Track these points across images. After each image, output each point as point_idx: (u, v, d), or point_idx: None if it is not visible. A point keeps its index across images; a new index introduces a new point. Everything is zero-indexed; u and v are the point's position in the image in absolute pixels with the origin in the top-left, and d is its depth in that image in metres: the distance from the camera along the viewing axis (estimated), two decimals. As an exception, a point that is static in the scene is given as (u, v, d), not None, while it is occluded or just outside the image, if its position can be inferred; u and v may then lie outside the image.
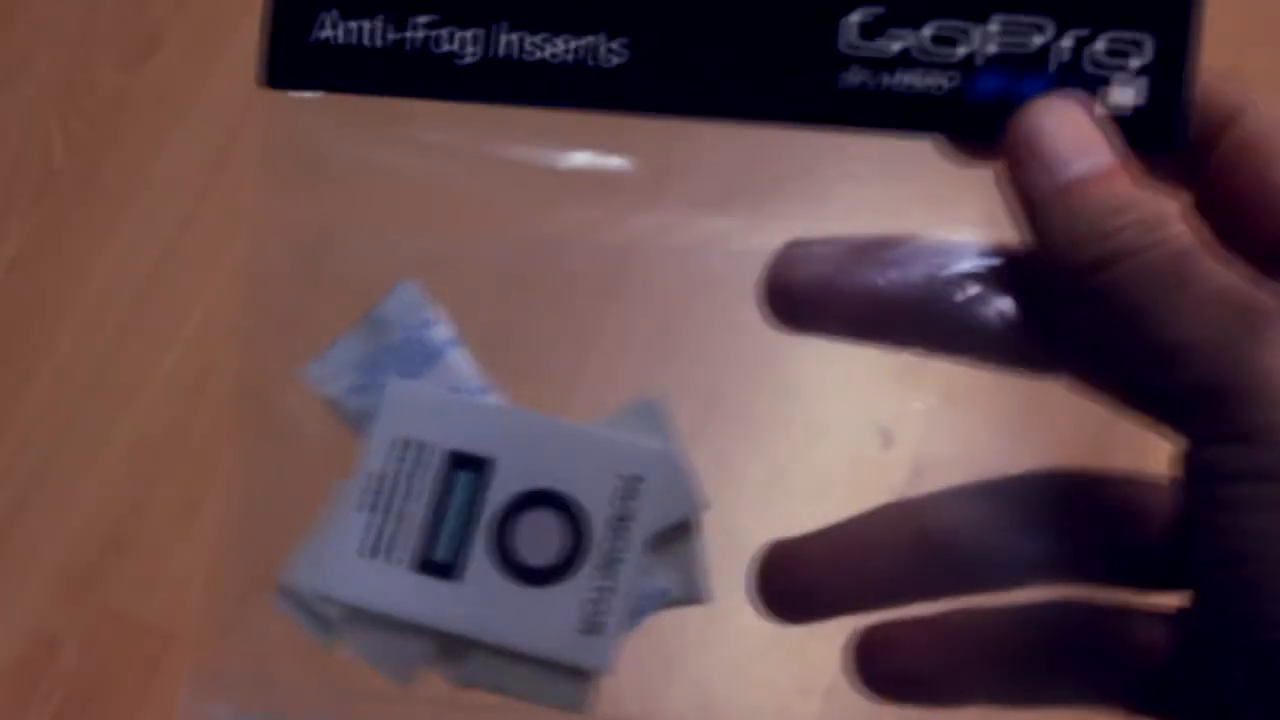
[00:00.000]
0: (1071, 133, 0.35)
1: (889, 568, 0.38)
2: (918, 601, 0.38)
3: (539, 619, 0.38)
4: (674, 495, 0.38)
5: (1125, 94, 0.35)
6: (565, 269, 0.40)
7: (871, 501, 0.39)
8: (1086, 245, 0.33)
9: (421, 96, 0.37)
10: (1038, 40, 0.35)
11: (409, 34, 0.37)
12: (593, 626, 0.38)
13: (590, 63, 0.36)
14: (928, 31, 0.36)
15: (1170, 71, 0.35)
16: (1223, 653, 0.32)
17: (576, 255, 0.40)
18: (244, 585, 0.39)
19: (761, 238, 0.38)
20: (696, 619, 0.39)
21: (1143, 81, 0.35)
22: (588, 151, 0.39)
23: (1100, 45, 0.35)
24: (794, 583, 0.39)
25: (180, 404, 1.12)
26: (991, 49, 0.36)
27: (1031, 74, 0.35)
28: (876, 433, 0.39)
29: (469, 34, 0.36)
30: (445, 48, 0.36)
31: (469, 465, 0.38)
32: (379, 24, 0.37)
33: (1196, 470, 0.32)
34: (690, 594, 0.39)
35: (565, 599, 0.38)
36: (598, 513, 0.38)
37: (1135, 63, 0.35)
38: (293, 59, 0.37)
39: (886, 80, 0.36)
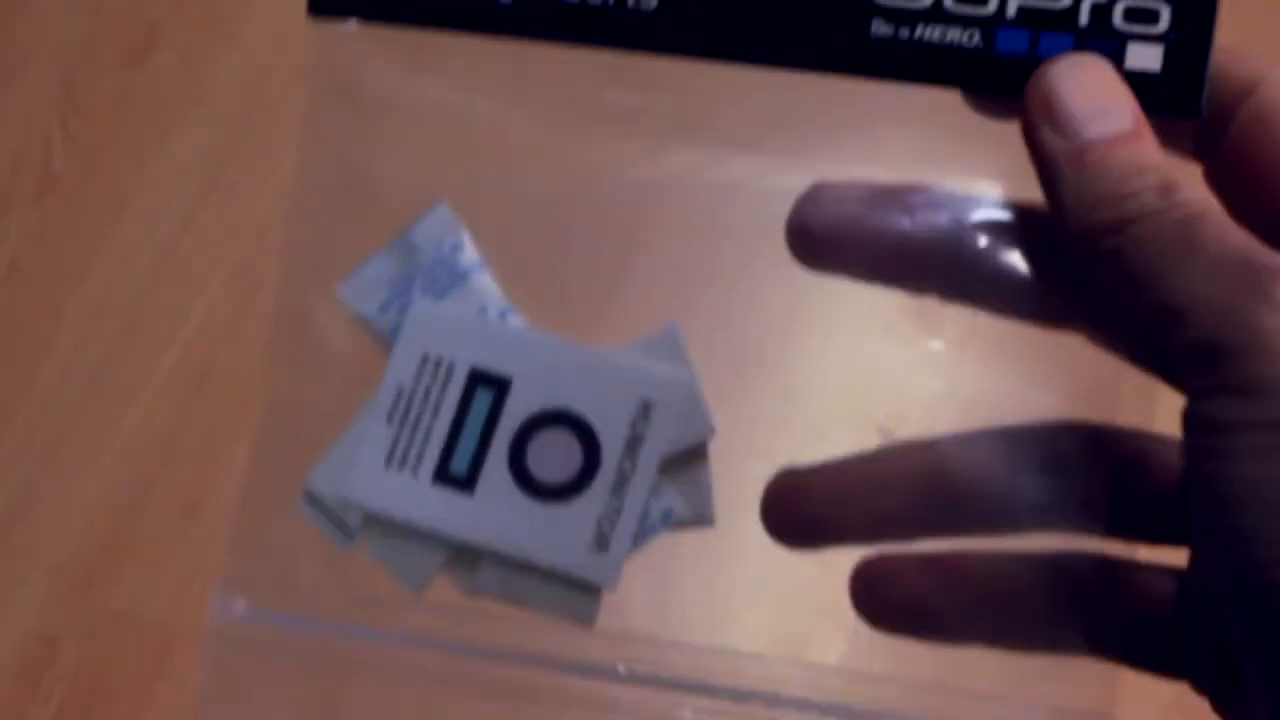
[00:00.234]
0: (1090, 95, 0.36)
1: (897, 503, 0.40)
2: (923, 539, 0.40)
3: (550, 533, 0.39)
4: (685, 420, 0.40)
5: (1146, 57, 0.36)
6: (595, 202, 0.41)
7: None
8: (1100, 208, 0.34)
9: (460, 30, 0.39)
10: (1059, 2, 0.37)
11: None
12: (602, 543, 0.39)
13: (626, 4, 0.38)
14: None
15: (1191, 36, 0.36)
16: (1220, 599, 0.34)
17: (607, 189, 0.41)
18: (274, 491, 0.41)
19: (791, 176, 0.39)
20: (703, 541, 0.41)
21: (1163, 46, 0.36)
22: (622, 88, 0.40)
23: (1118, 11, 0.36)
24: (802, 510, 0.40)
25: (180, 404, 1.13)
26: (1017, 5, 0.37)
27: (1056, 32, 0.37)
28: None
29: None
30: None
31: (489, 383, 0.40)
32: None
33: (1196, 422, 0.33)
34: (697, 515, 0.41)
35: (577, 515, 0.39)
36: (611, 434, 0.40)
37: (1157, 27, 0.36)
38: None
39: (915, 32, 0.37)
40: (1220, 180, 0.37)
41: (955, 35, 0.37)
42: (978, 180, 0.39)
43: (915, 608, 0.40)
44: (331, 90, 0.40)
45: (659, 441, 0.40)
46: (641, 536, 0.40)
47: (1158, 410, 0.37)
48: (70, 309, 1.17)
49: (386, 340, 0.40)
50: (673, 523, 0.41)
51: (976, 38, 0.37)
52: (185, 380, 1.14)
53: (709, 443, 0.41)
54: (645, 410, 0.40)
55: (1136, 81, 0.36)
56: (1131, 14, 0.36)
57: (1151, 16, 0.36)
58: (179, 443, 1.12)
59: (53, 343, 1.16)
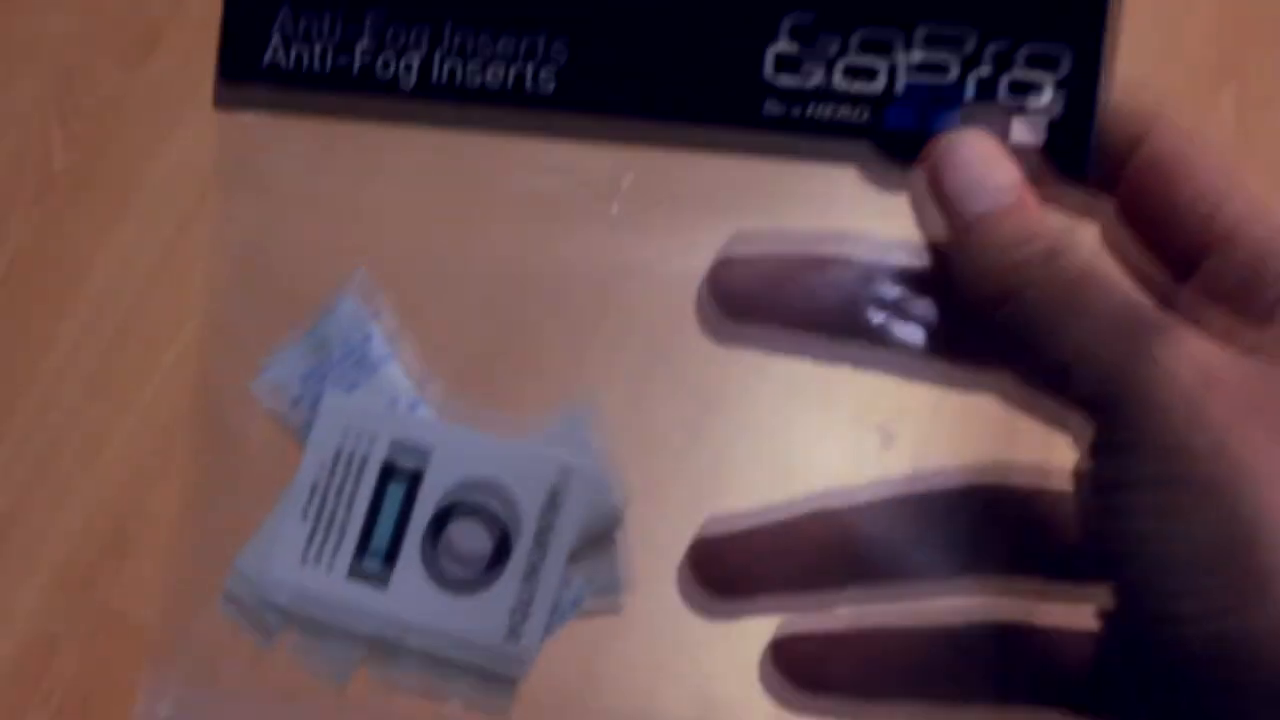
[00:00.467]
0: (973, 171, 0.37)
1: (807, 566, 0.41)
2: (834, 600, 0.41)
3: (464, 625, 0.40)
4: (595, 506, 0.41)
5: (1031, 128, 0.38)
6: (505, 287, 0.42)
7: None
8: (989, 280, 0.36)
9: (365, 118, 0.40)
10: (953, 69, 0.38)
11: (360, 31, 0.39)
12: (515, 633, 0.41)
13: (525, 87, 0.39)
14: (857, 37, 0.38)
15: (1076, 107, 0.37)
16: (1120, 650, 0.35)
17: (516, 274, 0.43)
18: (194, 589, 0.42)
19: (700, 256, 0.40)
20: (618, 621, 0.42)
21: (1048, 118, 0.37)
22: (527, 172, 0.41)
23: (1020, 59, 0.37)
24: (719, 571, 0.41)
25: (180, 404, 1.13)
26: (905, 82, 0.38)
27: (944, 107, 0.38)
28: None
29: (416, 33, 0.39)
30: (394, 46, 0.39)
31: (401, 476, 0.41)
32: (332, 22, 0.39)
33: (1085, 478, 0.35)
34: (608, 602, 0.42)
35: (489, 606, 0.41)
36: (522, 522, 0.41)
37: (1042, 99, 0.37)
38: (243, 82, 0.40)
39: (806, 110, 0.38)
40: (1128, 216, 0.38)
41: (846, 113, 0.38)
42: (885, 246, 0.40)
43: (823, 681, 0.41)
44: (240, 181, 0.41)
45: (569, 528, 0.41)
46: (554, 624, 0.41)
47: (1056, 465, 0.38)
48: (70, 309, 1.17)
49: (300, 434, 0.41)
50: (584, 609, 0.42)
51: (866, 115, 0.38)
52: (185, 380, 1.13)
53: (619, 526, 0.42)
54: (555, 498, 0.41)
55: (1024, 153, 0.37)
56: (1016, 87, 0.38)
57: (1036, 89, 0.37)
58: (179, 443, 1.11)
59: (53, 342, 1.16)
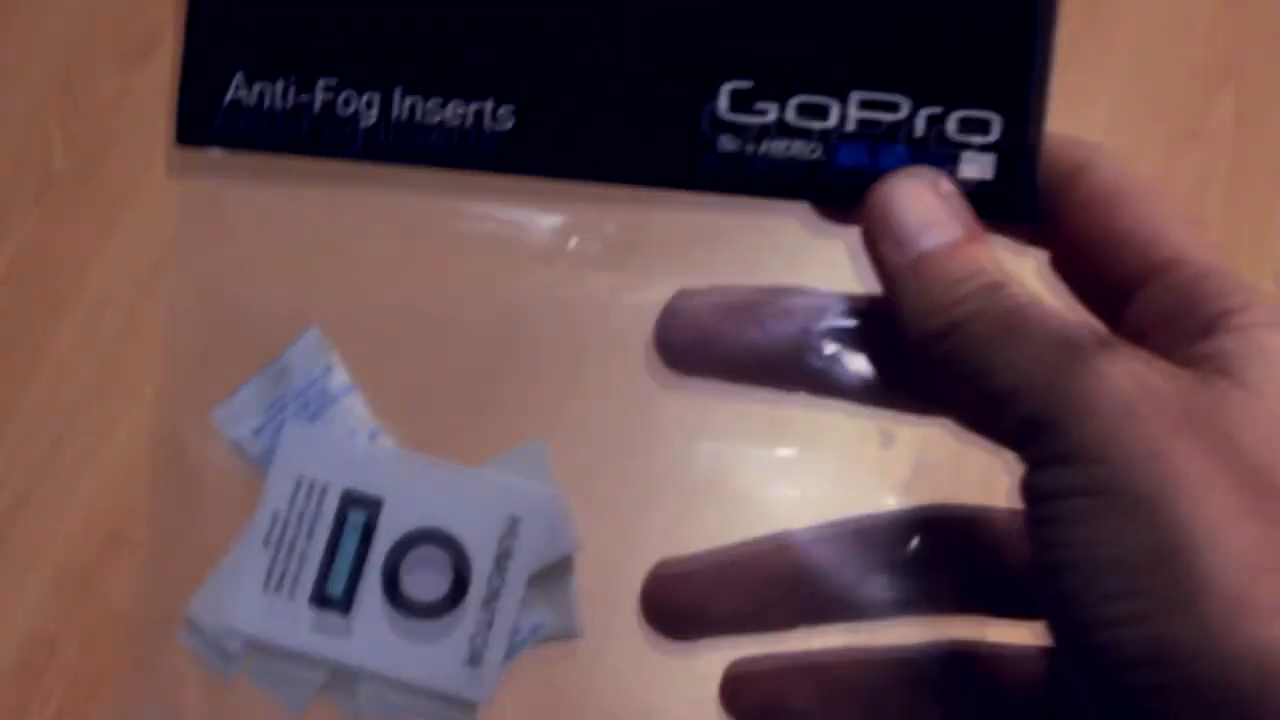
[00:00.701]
0: (921, 208, 0.38)
1: (759, 597, 0.43)
2: (787, 630, 0.43)
3: (425, 652, 0.42)
4: (552, 535, 0.43)
5: (976, 168, 0.39)
6: (461, 323, 0.44)
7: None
8: (933, 316, 0.37)
9: (325, 156, 0.41)
10: (894, 117, 0.39)
11: (313, 98, 0.41)
12: (475, 659, 0.42)
13: (483, 127, 0.40)
14: (794, 103, 0.39)
15: (1016, 149, 0.39)
16: (1062, 662, 0.36)
17: (472, 310, 0.44)
18: (155, 619, 0.43)
19: (651, 291, 0.42)
20: (575, 649, 0.43)
21: (991, 157, 0.39)
22: (483, 210, 0.42)
23: (952, 122, 0.39)
24: (674, 602, 0.43)
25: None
26: (852, 124, 0.39)
27: (890, 147, 0.39)
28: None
29: (367, 98, 0.40)
30: (346, 111, 0.40)
31: (361, 505, 0.42)
32: (285, 88, 0.41)
33: (1027, 493, 0.36)
34: (565, 628, 0.43)
35: (449, 633, 0.42)
36: (481, 550, 0.42)
37: (989, 136, 0.39)
38: (205, 119, 0.42)
39: (759, 147, 0.40)
40: (1062, 264, 0.40)
41: (798, 149, 0.40)
42: (834, 282, 0.42)
43: (777, 708, 0.43)
44: (202, 221, 0.42)
45: (527, 556, 0.42)
46: (513, 651, 0.42)
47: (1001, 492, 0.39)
48: (70, 308, 1.17)
49: (261, 464, 0.42)
50: (542, 636, 0.43)
51: (819, 151, 0.40)
52: None
53: (575, 556, 0.43)
54: (513, 526, 0.42)
55: (970, 190, 0.39)
56: (965, 124, 0.39)
57: (983, 127, 0.39)
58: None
59: (53, 342, 1.16)
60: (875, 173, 0.39)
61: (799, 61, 0.40)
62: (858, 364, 0.41)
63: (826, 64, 0.39)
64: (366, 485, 0.42)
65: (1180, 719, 0.33)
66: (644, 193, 0.41)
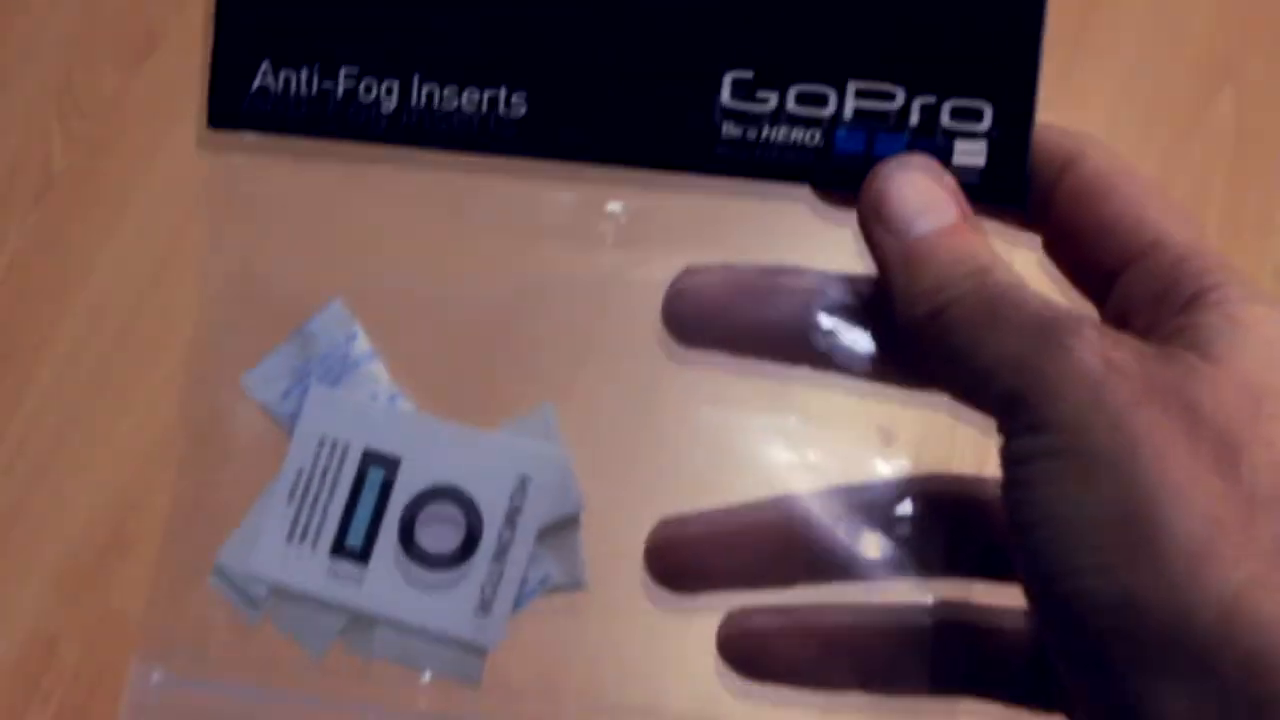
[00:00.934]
0: (914, 195, 0.41)
1: (757, 555, 0.45)
2: (784, 587, 0.45)
3: (437, 601, 0.45)
4: (559, 493, 0.46)
5: (972, 153, 0.42)
6: (475, 294, 0.47)
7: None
8: (923, 300, 0.39)
9: (347, 140, 0.44)
10: (890, 106, 0.42)
11: (336, 85, 0.44)
12: (486, 607, 0.45)
13: (497, 112, 0.43)
14: (794, 91, 0.42)
15: (1010, 136, 0.41)
16: (1036, 615, 0.38)
17: (485, 282, 0.47)
18: (186, 568, 0.46)
19: (655, 268, 0.44)
20: (579, 602, 0.46)
21: (983, 144, 0.42)
22: (498, 189, 0.46)
23: (946, 111, 0.42)
24: (677, 558, 0.46)
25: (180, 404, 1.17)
26: (850, 112, 0.42)
27: (887, 134, 0.42)
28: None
29: (387, 85, 0.44)
30: (368, 98, 0.44)
31: (380, 463, 0.46)
32: (310, 75, 0.44)
33: (1005, 460, 0.38)
34: (572, 580, 0.47)
35: (461, 583, 0.46)
36: (492, 507, 0.46)
37: (981, 125, 0.42)
38: (234, 104, 0.45)
39: (761, 133, 0.42)
40: (1055, 248, 0.43)
41: (799, 135, 0.42)
42: (837, 264, 0.44)
43: (771, 657, 0.45)
44: (230, 198, 0.45)
45: (535, 513, 0.46)
46: (521, 601, 0.46)
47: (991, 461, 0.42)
48: (70, 309, 1.19)
49: (288, 425, 0.46)
50: (550, 587, 0.46)
51: (818, 138, 0.42)
52: (185, 380, 1.16)
53: (581, 513, 0.47)
54: (522, 484, 0.46)
55: (964, 176, 0.41)
56: (957, 113, 0.42)
57: (976, 115, 0.41)
58: (179, 443, 1.14)
59: (52, 343, 1.18)
60: (873, 159, 0.41)
61: (798, 52, 0.42)
62: (856, 341, 0.43)
63: (824, 54, 0.42)
64: (385, 445, 0.45)
65: (1144, 664, 0.35)
66: (653, 174, 0.43)
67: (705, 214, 0.45)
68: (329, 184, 0.46)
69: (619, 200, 0.46)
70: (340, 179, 0.46)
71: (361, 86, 0.44)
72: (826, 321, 0.43)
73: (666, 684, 0.49)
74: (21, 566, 1.13)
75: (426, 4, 0.43)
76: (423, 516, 0.46)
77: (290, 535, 0.46)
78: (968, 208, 0.41)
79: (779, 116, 0.42)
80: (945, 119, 0.42)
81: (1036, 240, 0.43)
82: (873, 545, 0.44)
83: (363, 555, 0.46)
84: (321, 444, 0.46)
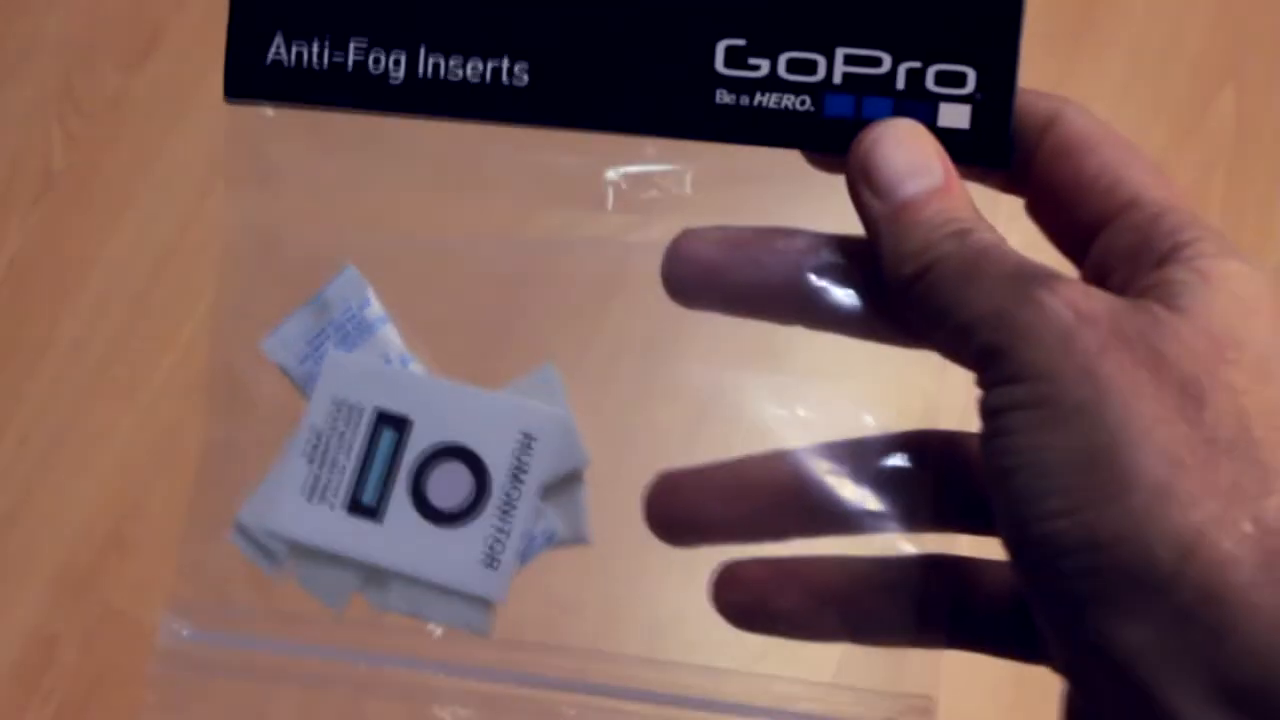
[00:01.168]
0: (902, 157, 0.42)
1: (753, 507, 0.48)
2: (779, 539, 0.48)
3: (447, 554, 0.49)
4: (563, 451, 0.49)
5: (956, 115, 0.44)
6: (482, 260, 0.50)
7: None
8: (909, 260, 0.41)
9: (358, 110, 0.47)
10: (877, 71, 0.44)
11: (346, 57, 0.47)
12: (493, 561, 0.49)
13: (502, 81, 0.46)
14: (784, 58, 0.45)
15: (993, 99, 0.44)
16: (1011, 559, 0.40)
17: (492, 248, 0.50)
18: (208, 525, 0.50)
19: (653, 230, 0.47)
20: (582, 556, 0.49)
21: (967, 108, 0.44)
22: (503, 156, 0.48)
23: (930, 76, 0.44)
24: (676, 509, 0.48)
25: (180, 404, 1.18)
26: (839, 77, 0.45)
27: (874, 99, 0.44)
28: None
29: (395, 57, 0.47)
30: (377, 69, 0.47)
31: (392, 423, 0.49)
32: (321, 48, 0.47)
33: (982, 411, 0.40)
34: (575, 535, 0.50)
35: (470, 537, 0.49)
36: (498, 464, 0.49)
37: (965, 88, 0.44)
38: (249, 76, 0.48)
39: (754, 99, 0.45)
40: (1037, 209, 0.45)
41: (790, 101, 0.45)
42: (822, 237, 0.46)
43: (763, 607, 0.48)
44: (247, 167, 0.49)
45: (540, 470, 0.49)
46: (527, 555, 0.49)
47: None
48: (70, 308, 1.21)
49: (305, 388, 0.50)
50: (554, 542, 0.50)
51: (808, 103, 0.44)
52: (184, 381, 1.19)
53: (584, 469, 0.50)
54: (527, 442, 0.49)
55: (949, 138, 0.43)
56: (942, 77, 0.44)
57: (960, 79, 0.44)
58: (178, 443, 1.16)
59: (53, 343, 1.20)
60: (861, 122, 0.43)
61: (789, 20, 0.44)
62: (848, 299, 0.45)
63: (814, 22, 0.44)
64: (397, 405, 0.48)
65: (1109, 599, 0.37)
66: (651, 140, 0.46)
67: (703, 178, 0.48)
68: (342, 154, 0.49)
69: (619, 166, 0.48)
70: (353, 149, 0.49)
71: (371, 58, 0.46)
72: (819, 280, 0.45)
73: (666, 634, 0.52)
74: (21, 566, 1.15)
75: None
76: (432, 474, 0.49)
77: (308, 494, 0.49)
78: (953, 170, 0.43)
79: (771, 83, 0.45)
80: (929, 84, 0.44)
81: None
82: (863, 499, 0.47)
83: (376, 511, 0.49)
84: (337, 406, 0.49)
